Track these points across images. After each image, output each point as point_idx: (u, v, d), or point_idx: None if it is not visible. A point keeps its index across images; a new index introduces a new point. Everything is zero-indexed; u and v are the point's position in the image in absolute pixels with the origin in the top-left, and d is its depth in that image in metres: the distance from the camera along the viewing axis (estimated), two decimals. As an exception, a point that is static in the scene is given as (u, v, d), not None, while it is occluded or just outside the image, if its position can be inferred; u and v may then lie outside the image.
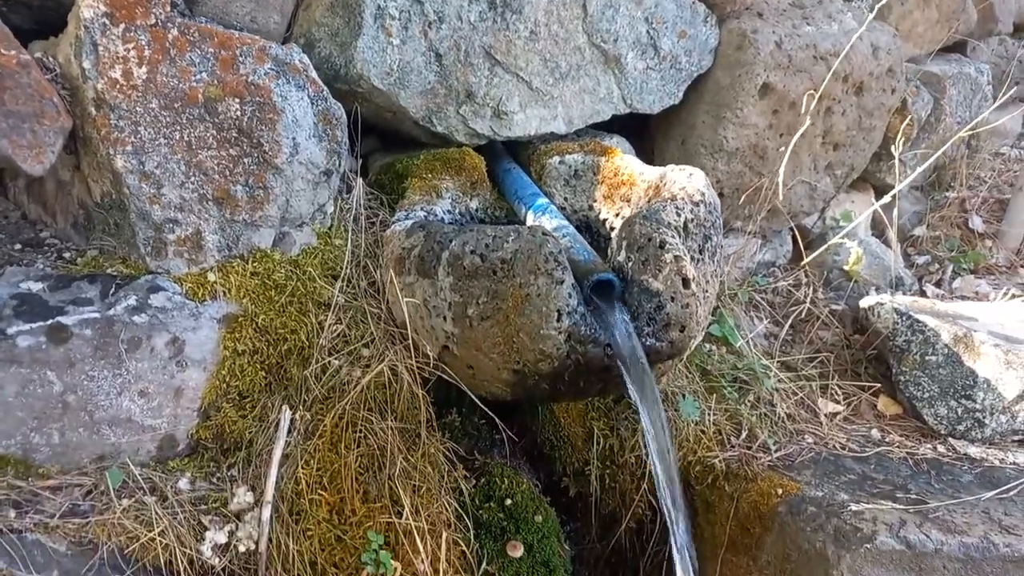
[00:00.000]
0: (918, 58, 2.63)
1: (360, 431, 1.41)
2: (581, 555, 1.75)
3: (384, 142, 1.97)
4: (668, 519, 1.30)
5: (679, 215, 1.37)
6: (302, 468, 1.37)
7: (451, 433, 1.59)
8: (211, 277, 1.44)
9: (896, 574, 1.33)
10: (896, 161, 2.12)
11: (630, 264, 1.32)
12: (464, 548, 1.44)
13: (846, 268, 2.10)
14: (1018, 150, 3.18)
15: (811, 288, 2.15)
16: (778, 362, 1.91)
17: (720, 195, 2.09)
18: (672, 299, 1.25)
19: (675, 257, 1.28)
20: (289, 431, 1.41)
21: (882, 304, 1.91)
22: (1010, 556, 1.33)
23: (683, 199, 1.42)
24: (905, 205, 2.72)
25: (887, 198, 2.01)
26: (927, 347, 1.80)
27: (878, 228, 2.55)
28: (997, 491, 1.53)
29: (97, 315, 1.33)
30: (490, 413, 1.42)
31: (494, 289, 1.26)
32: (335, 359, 1.45)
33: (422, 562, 1.37)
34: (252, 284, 1.47)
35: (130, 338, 1.35)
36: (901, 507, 1.45)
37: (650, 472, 1.66)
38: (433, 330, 1.38)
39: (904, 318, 1.84)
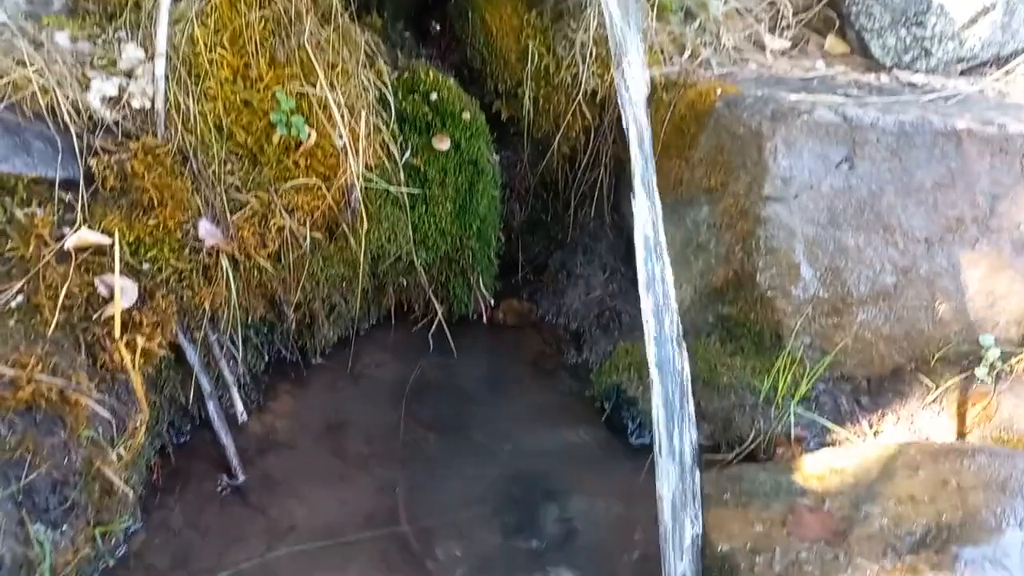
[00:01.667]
0: None
1: (263, -8, 1.25)
2: (512, 185, 1.70)
3: None
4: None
5: None
6: (198, 27, 1.22)
7: (373, 32, 1.45)
8: None
9: (830, 146, 1.30)
10: None
11: None
12: (385, 135, 1.36)
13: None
14: None
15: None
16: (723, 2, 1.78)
17: None
18: None
19: None
20: (181, -8, 1.24)
21: (844, -68, 1.77)
22: (943, 131, 1.32)
23: None
24: None
25: None
26: (885, -26, 1.69)
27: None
28: (936, 94, 1.50)
29: None
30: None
31: None
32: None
33: (340, 136, 1.28)
34: None
35: None
36: (841, 98, 1.41)
37: (585, 91, 1.58)
38: None
39: (865, -57, 1.71)
